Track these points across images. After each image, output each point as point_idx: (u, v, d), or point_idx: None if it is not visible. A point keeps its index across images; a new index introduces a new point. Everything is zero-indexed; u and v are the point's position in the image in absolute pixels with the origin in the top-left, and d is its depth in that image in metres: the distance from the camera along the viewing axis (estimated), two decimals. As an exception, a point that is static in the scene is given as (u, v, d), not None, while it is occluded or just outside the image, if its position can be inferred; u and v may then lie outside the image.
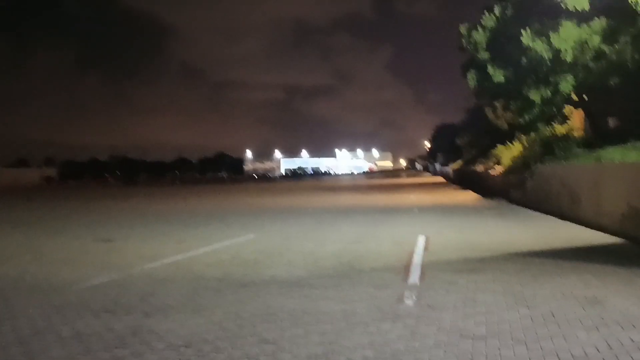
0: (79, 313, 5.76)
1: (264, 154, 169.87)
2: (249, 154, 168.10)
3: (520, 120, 17.05)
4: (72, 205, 30.01)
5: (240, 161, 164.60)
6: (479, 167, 34.59)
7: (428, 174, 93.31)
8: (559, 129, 18.93)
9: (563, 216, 14.32)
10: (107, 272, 8.03)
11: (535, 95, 15.19)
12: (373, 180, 67.05)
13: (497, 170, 28.31)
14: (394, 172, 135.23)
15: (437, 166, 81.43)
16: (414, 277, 7.18)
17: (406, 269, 7.79)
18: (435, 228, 13.01)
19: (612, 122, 22.88)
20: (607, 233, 10.96)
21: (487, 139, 41.89)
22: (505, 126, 32.72)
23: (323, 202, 25.58)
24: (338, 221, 15.47)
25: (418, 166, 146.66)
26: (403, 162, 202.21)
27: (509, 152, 25.08)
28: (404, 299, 5.99)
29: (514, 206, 19.01)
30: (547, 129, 17.80)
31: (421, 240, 10.70)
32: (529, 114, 16.46)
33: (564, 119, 18.30)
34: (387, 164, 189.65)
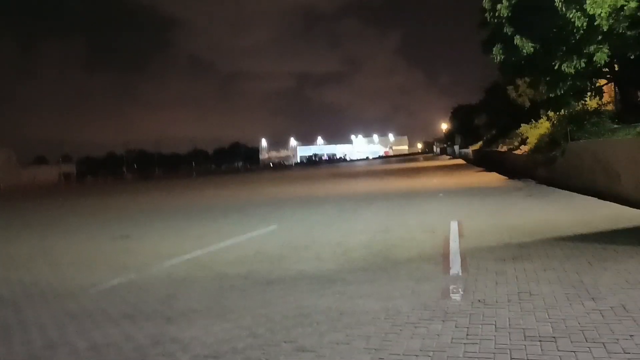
0: (96, 321, 5.28)
1: (279, 142, 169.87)
2: (264, 142, 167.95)
3: (551, 94, 16.13)
4: (89, 202, 29.85)
5: (256, 150, 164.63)
6: (502, 148, 33.69)
7: (446, 156, 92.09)
8: (590, 103, 18.04)
9: (598, 195, 13.56)
10: (124, 273, 7.57)
11: (568, 68, 14.31)
12: (390, 165, 66.28)
13: (522, 149, 27.45)
14: (411, 156, 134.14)
15: (456, 148, 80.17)
16: (456, 267, 6.59)
17: (445, 258, 7.20)
18: (466, 212, 12.36)
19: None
20: (654, 211, 10.23)
21: (507, 118, 40.86)
22: (527, 104, 31.81)
23: (342, 189, 25.01)
24: (361, 209, 14.89)
25: (435, 149, 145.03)
26: (419, 146, 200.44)
27: (535, 131, 24.22)
28: (450, 294, 5.41)
29: (543, 186, 18.21)
30: (578, 104, 16.89)
31: (454, 226, 10.08)
32: (560, 88, 15.58)
33: (598, 92, 17.37)
34: (403, 148, 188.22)
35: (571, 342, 3.90)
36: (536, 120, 25.77)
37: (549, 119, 19.25)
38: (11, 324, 5.35)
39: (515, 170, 25.87)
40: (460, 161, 57.13)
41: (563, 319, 4.39)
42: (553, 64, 14.75)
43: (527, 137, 26.32)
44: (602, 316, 4.41)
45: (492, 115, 49.03)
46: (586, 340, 3.91)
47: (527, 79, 21.24)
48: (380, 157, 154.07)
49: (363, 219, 12.51)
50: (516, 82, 32.32)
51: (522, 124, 29.13)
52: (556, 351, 3.76)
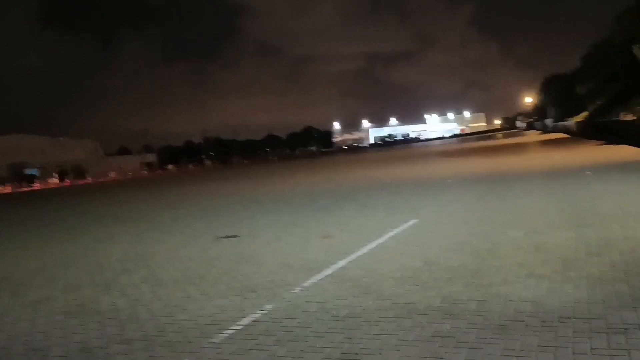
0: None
1: (351, 124, 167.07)
2: (336, 125, 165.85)
3: None
4: (175, 192, 28.68)
5: (329, 133, 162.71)
6: (626, 116, 29.34)
7: (534, 131, 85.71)
8: None
9: None
10: (253, 300, 5.32)
11: None
12: (477, 143, 61.93)
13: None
14: (489, 133, 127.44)
15: (548, 122, 74.05)
16: None
17: None
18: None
19: None
20: None
21: (623, 83, 36.01)
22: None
23: (449, 170, 22.10)
24: (502, 193, 12.08)
25: (520, 124, 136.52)
26: (498, 122, 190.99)
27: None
28: None
29: None
30: None
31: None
32: None
33: None
34: (481, 125, 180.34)
35: None
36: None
37: None
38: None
39: (657, 141, 21.83)
40: (559, 135, 52.03)
41: None
42: None
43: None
44: None
45: (598, 81, 43.89)
46: None
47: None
48: (455, 136, 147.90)
49: (523, 206, 9.75)
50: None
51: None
52: None
